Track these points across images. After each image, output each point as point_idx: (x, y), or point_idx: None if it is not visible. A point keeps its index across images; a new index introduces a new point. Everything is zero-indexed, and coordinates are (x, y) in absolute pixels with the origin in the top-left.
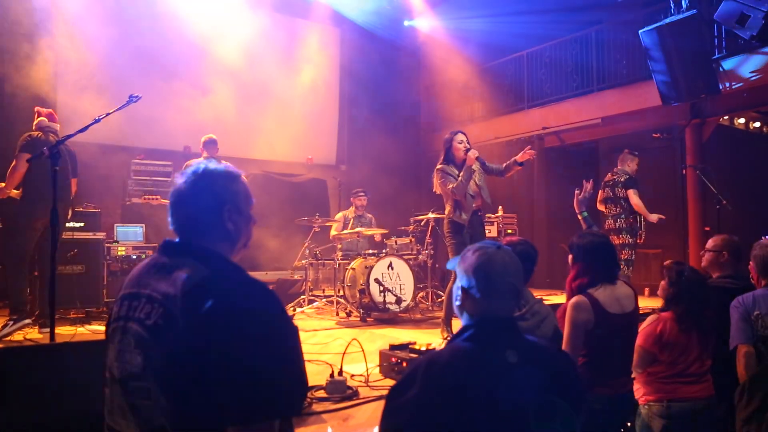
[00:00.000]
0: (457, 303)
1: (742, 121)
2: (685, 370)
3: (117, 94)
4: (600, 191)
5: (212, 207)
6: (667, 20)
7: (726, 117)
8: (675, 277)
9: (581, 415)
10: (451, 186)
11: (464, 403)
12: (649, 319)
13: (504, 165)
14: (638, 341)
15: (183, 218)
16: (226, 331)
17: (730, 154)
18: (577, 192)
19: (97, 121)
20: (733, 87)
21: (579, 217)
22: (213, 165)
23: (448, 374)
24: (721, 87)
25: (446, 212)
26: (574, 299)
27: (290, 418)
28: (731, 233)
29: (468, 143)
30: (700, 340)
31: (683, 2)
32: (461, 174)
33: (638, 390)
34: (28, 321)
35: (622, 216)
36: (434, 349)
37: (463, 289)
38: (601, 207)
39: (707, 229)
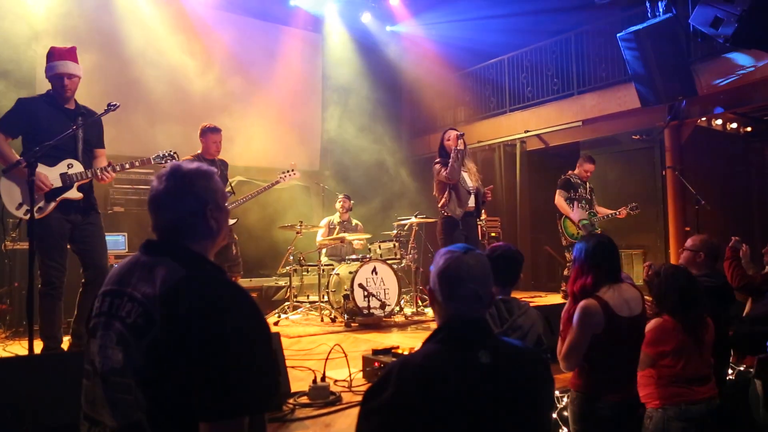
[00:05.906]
0: (427, 304)
1: (719, 122)
2: (690, 371)
3: (96, 103)
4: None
5: (196, 209)
6: (645, 24)
7: (704, 118)
8: (668, 283)
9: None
10: (444, 172)
11: (438, 404)
12: (653, 321)
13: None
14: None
15: (166, 221)
16: (200, 331)
17: (708, 155)
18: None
19: (76, 129)
20: (710, 89)
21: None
22: (187, 165)
23: (421, 375)
24: (698, 89)
25: (440, 205)
26: (584, 302)
27: (262, 415)
28: (710, 233)
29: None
30: (699, 340)
31: (660, 6)
32: (451, 158)
33: (649, 394)
34: None
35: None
36: None
37: (429, 291)
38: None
39: (687, 229)
